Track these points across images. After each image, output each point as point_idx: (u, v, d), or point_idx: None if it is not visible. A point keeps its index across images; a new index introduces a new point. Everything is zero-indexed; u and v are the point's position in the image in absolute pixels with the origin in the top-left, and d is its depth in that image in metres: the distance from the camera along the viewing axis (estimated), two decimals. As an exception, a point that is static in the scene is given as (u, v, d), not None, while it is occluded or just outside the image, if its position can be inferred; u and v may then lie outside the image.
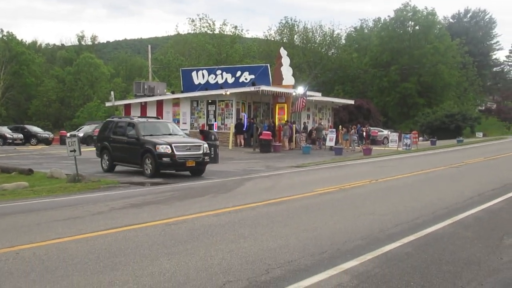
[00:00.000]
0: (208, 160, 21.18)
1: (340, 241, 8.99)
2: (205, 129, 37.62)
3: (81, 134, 46.05)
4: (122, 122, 23.20)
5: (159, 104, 42.63)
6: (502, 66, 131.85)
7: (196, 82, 42.81)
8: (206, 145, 21.26)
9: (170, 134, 21.92)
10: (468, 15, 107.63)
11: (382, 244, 8.79)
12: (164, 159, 19.89)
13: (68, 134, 48.16)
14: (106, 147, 22.86)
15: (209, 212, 11.79)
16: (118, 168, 22.88)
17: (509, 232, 10.10)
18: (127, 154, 21.78)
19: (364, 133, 44.95)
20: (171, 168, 20.75)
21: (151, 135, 21.24)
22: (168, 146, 19.92)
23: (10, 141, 46.31)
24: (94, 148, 24.95)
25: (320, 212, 11.92)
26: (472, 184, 17.33)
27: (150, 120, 23.77)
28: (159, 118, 28.61)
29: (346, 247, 8.64)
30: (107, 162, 22.72)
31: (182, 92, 43.59)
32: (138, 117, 25.83)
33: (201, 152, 20.65)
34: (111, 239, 9.09)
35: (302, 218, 11.24)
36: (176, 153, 19.96)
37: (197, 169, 20.88)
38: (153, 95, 43.69)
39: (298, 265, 7.51)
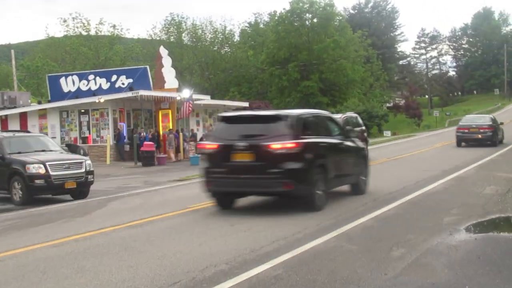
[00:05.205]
0: (92, 179, 19.79)
1: (200, 267, 8.39)
2: (77, 143, 36.15)
3: None
4: None
5: (23, 116, 40.35)
6: (408, 58, 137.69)
7: (65, 89, 41.00)
8: (89, 162, 19.83)
9: (43, 151, 20.08)
10: (370, 5, 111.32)
11: (249, 267, 8.33)
12: (37, 181, 18.09)
13: None
14: None
15: (50, 242, 10.82)
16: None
17: (399, 242, 9.84)
18: None
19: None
20: (46, 192, 19.10)
21: (19, 152, 19.36)
22: (42, 165, 18.17)
23: None
24: None
25: (187, 233, 11.26)
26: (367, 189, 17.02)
27: (17, 134, 21.91)
28: (29, 132, 26.89)
29: (204, 274, 8.06)
30: None
31: (49, 101, 41.71)
32: (2, 131, 23.70)
33: (83, 170, 19.15)
34: None
35: (163, 241, 10.57)
36: (51, 173, 18.23)
37: (79, 191, 19.39)
38: (15, 107, 41.44)
39: (138, 302, 6.79)
